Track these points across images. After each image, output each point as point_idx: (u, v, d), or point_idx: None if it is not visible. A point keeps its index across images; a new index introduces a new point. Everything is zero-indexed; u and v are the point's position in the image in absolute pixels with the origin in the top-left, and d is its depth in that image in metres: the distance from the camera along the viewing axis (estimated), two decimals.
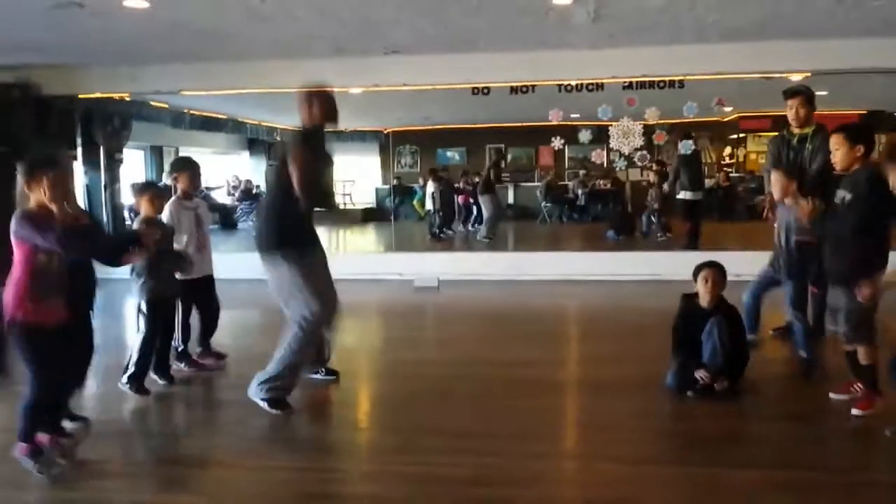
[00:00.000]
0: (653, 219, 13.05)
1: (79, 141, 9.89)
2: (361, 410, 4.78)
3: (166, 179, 5.79)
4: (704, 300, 4.56)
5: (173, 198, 5.16)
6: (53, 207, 3.33)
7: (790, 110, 5.35)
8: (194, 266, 4.98)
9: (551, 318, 7.27)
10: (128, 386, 4.61)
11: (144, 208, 4.76)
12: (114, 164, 10.44)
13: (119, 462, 3.81)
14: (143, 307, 4.64)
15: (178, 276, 4.88)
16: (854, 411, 4.06)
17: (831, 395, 4.32)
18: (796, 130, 5.33)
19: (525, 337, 6.29)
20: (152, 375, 4.80)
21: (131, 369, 4.62)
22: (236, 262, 9.16)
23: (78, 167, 9.86)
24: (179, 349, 5.22)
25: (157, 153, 14.72)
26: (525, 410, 4.35)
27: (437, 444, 3.84)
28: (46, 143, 8.97)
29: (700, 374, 4.38)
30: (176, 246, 4.94)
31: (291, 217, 4.22)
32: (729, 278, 4.65)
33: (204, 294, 5.26)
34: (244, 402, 4.35)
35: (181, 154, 15.33)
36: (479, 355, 5.70)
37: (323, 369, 4.89)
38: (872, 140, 4.13)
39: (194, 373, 5.21)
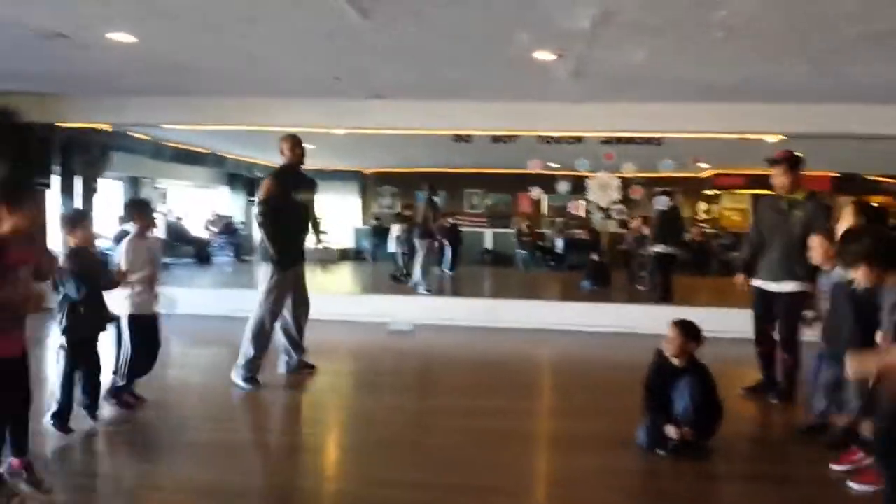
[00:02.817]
0: (640, 273, 12.89)
1: (56, 169, 9.82)
2: (328, 458, 4.69)
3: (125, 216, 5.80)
4: (670, 356, 4.57)
5: (131, 235, 5.21)
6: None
7: (773, 178, 5.48)
8: (145, 301, 5.10)
9: (525, 368, 7.23)
10: (52, 423, 4.48)
11: (76, 240, 4.62)
12: (90, 193, 10.36)
13: None
14: (64, 343, 4.56)
15: (124, 311, 4.99)
16: (854, 485, 3.89)
17: (831, 465, 4.17)
18: (785, 195, 5.45)
19: (498, 386, 6.25)
20: (82, 412, 4.66)
21: (54, 407, 4.52)
22: (212, 299, 9.15)
23: (54, 196, 9.77)
24: (118, 385, 5.13)
25: (134, 184, 14.63)
26: (494, 463, 4.30)
27: (403, 497, 3.78)
28: (24, 170, 8.90)
29: (669, 430, 4.37)
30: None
31: None
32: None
33: (149, 333, 5.20)
34: (203, 444, 4.27)
35: (157, 186, 15.33)
36: (451, 404, 5.66)
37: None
38: None
39: (124, 413, 5.09)
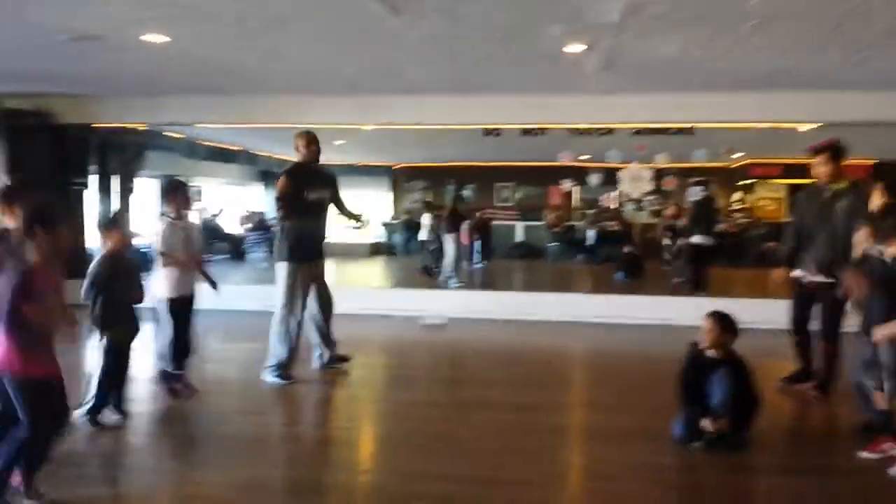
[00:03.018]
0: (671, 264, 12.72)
1: (93, 169, 10.00)
2: (361, 451, 4.73)
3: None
4: (705, 348, 4.53)
5: (168, 218, 5.36)
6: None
7: (815, 167, 5.39)
8: (183, 282, 5.28)
9: (557, 361, 7.22)
10: (84, 418, 4.60)
11: (111, 243, 4.74)
12: (126, 192, 10.54)
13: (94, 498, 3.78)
14: (105, 344, 4.67)
15: (163, 293, 5.16)
16: (893, 471, 3.87)
17: (863, 453, 4.16)
18: (827, 185, 5.36)
19: (531, 380, 6.24)
20: (107, 409, 4.78)
21: (89, 403, 4.64)
22: (247, 294, 9.26)
23: (92, 195, 9.95)
24: (168, 369, 5.31)
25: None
26: (527, 457, 4.30)
27: (436, 489, 3.80)
28: (60, 171, 9.08)
29: (704, 423, 4.32)
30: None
31: None
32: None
33: (183, 313, 5.34)
34: (238, 437, 4.34)
35: (191, 184, 15.50)
36: (484, 397, 5.67)
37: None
38: None
39: (175, 396, 5.30)
